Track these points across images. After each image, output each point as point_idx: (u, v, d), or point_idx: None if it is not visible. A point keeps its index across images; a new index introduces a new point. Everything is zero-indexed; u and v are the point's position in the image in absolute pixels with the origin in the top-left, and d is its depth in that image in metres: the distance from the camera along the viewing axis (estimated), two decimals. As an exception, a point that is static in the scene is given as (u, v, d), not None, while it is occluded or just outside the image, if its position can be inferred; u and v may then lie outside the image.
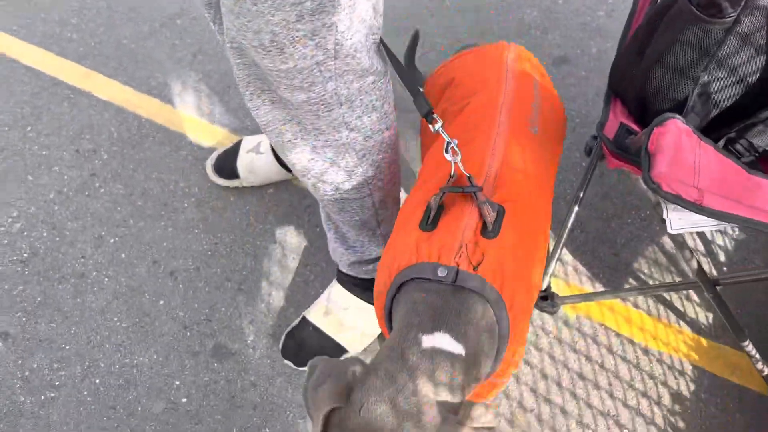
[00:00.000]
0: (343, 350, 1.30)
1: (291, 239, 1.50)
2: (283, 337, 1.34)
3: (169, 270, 1.45)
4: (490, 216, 0.81)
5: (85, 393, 1.30)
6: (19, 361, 1.33)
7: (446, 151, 0.86)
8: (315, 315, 1.33)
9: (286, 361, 1.31)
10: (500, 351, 0.79)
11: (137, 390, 1.30)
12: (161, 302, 1.41)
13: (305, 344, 1.31)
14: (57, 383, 1.31)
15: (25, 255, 1.46)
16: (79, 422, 1.27)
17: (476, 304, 0.76)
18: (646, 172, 0.84)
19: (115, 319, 1.39)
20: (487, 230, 0.81)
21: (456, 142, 0.86)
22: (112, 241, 1.49)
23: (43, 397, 1.30)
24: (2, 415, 1.27)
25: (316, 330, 1.31)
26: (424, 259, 0.79)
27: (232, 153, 1.55)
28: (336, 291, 1.33)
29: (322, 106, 0.90)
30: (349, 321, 1.31)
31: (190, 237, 1.50)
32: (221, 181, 1.56)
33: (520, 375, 1.32)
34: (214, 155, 1.58)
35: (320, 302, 1.34)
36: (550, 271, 1.38)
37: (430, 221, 0.84)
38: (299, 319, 1.35)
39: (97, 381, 1.32)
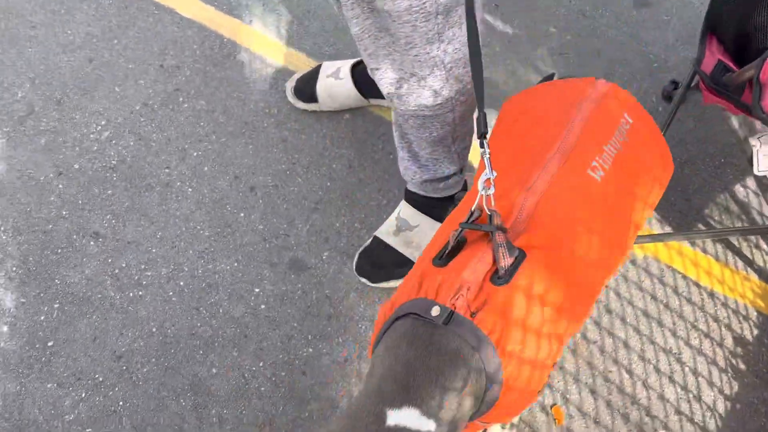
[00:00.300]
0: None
1: (365, 165, 1.53)
2: (356, 256, 1.39)
3: (249, 185, 1.51)
4: (504, 260, 0.74)
5: (171, 293, 1.38)
6: (109, 260, 1.42)
7: (480, 181, 0.79)
8: (386, 233, 1.38)
9: (361, 279, 1.37)
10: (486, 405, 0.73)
11: (219, 294, 1.38)
12: (242, 215, 1.47)
13: (378, 262, 1.37)
14: (144, 282, 1.40)
15: (114, 162, 1.54)
16: (164, 319, 1.35)
17: (460, 368, 0.69)
18: (756, 101, 0.84)
19: (198, 227, 1.46)
20: (497, 275, 0.74)
21: (495, 174, 0.79)
22: (195, 154, 1.55)
23: (131, 294, 1.38)
24: (94, 308, 1.37)
25: (388, 248, 1.36)
26: (423, 294, 0.75)
27: (311, 77, 1.58)
28: (405, 210, 1.37)
29: (421, 15, 0.92)
30: (418, 238, 1.36)
31: (269, 156, 1.55)
32: (300, 104, 1.59)
33: (585, 308, 1.36)
34: (294, 78, 1.61)
35: (390, 221, 1.39)
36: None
37: (445, 256, 0.80)
38: (371, 238, 1.40)
39: (182, 283, 1.40)
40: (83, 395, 1.28)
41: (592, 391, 1.27)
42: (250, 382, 1.29)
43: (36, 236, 1.44)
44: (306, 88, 1.58)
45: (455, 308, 0.71)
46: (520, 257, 0.76)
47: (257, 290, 1.39)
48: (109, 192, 1.50)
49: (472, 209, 0.80)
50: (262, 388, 1.28)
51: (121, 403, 1.28)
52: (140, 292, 1.38)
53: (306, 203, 1.49)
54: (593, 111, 0.91)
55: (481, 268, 0.74)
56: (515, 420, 1.24)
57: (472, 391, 0.70)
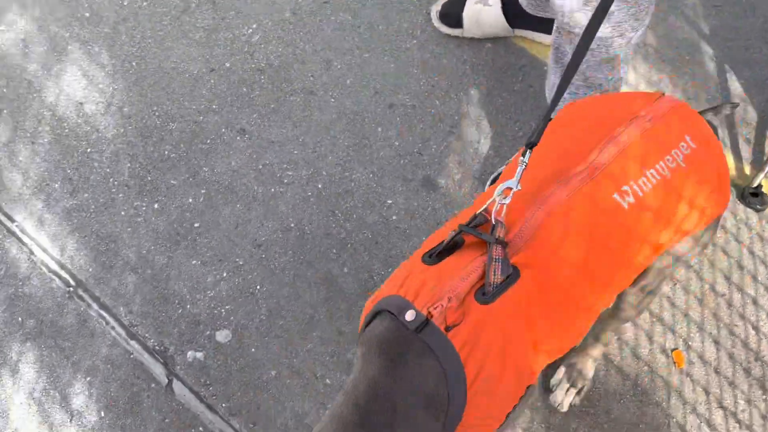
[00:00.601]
0: None
1: (503, 95, 1.54)
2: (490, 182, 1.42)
3: (388, 102, 1.54)
4: (494, 277, 0.70)
5: (309, 194, 1.45)
6: (254, 156, 1.49)
7: (494, 185, 0.75)
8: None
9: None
10: (451, 425, 0.71)
11: (354, 200, 1.44)
12: (379, 129, 1.52)
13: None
14: (285, 181, 1.47)
15: (262, 65, 1.60)
16: (302, 217, 1.43)
17: (417, 401, 0.67)
18: None
19: (338, 136, 1.51)
20: (483, 292, 0.71)
21: (519, 188, 0.74)
22: (339, 66, 1.59)
23: (273, 190, 1.46)
24: (238, 198, 1.45)
25: None
26: (402, 293, 0.72)
27: (459, 2, 1.58)
28: None
29: None
30: None
31: (410, 76, 1.57)
32: (444, 29, 1.60)
33: (715, 261, 1.35)
34: (440, 2, 1.61)
35: None
36: (765, 171, 1.37)
37: (436, 255, 0.76)
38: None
39: (320, 186, 1.46)
40: (224, 275, 1.38)
41: (716, 342, 1.28)
42: (379, 285, 1.35)
43: (188, 125, 1.53)
44: (452, 13, 1.59)
45: (431, 317, 0.68)
46: (513, 277, 0.72)
47: (390, 201, 1.44)
48: (257, 93, 1.56)
49: (478, 212, 0.76)
50: (390, 292, 1.35)
51: (258, 287, 1.37)
52: (281, 189, 1.46)
53: (441, 125, 1.51)
54: (646, 130, 0.83)
55: (468, 278, 0.71)
56: (632, 357, 1.27)
57: (432, 414, 0.68)
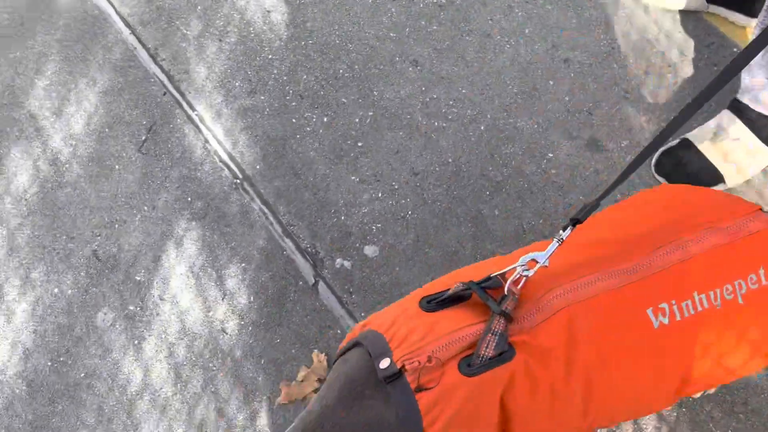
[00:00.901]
0: (720, 180, 1.33)
1: (687, 69, 1.49)
2: (657, 154, 1.39)
3: (564, 57, 1.53)
4: (484, 350, 0.64)
5: (471, 134, 1.47)
6: (423, 88, 1.53)
7: (526, 257, 0.69)
8: (700, 139, 1.35)
9: (658, 177, 1.37)
10: None
11: (514, 147, 1.45)
12: (551, 83, 1.51)
13: (682, 164, 1.35)
14: (450, 117, 1.49)
15: (444, 1, 1.61)
16: (461, 155, 1.45)
17: None
18: None
19: (508, 82, 1.51)
20: (469, 362, 0.65)
21: (547, 265, 0.68)
22: (520, 14, 1.58)
23: (436, 124, 1.49)
24: (402, 126, 1.49)
25: (698, 154, 1.34)
26: (389, 335, 0.68)
27: (656, -32, 1.53)
28: (728, 119, 1.32)
29: None
30: (735, 153, 1.32)
31: (590, 34, 1.54)
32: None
33: None
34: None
35: (708, 127, 1.35)
36: None
37: (436, 302, 0.71)
38: (679, 139, 1.38)
39: (482, 128, 1.48)
40: (379, 195, 1.43)
41: None
42: (528, 234, 1.37)
43: (363, 48, 1.58)
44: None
45: (405, 371, 0.65)
46: (506, 356, 0.66)
47: (550, 155, 1.44)
48: (434, 27, 1.59)
49: (494, 274, 0.71)
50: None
51: (409, 212, 1.41)
52: (444, 124, 1.48)
53: (616, 89, 1.48)
54: (718, 247, 0.72)
55: (459, 343, 0.66)
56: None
57: None
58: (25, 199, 1.49)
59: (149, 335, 1.36)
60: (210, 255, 1.41)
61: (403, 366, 0.65)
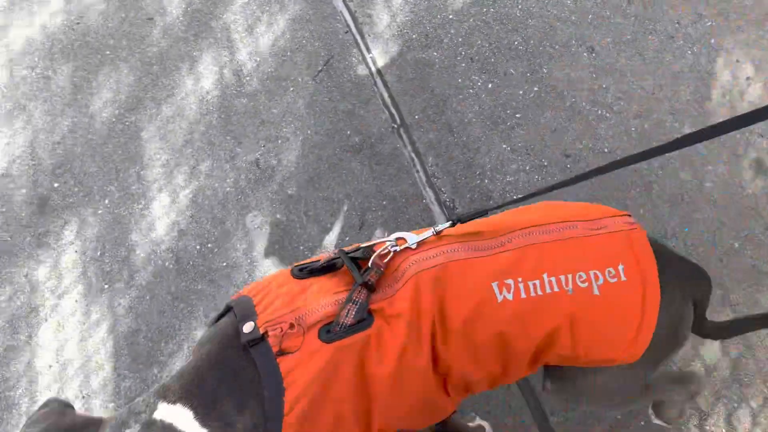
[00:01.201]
0: None
1: None
2: None
3: (747, 75, 1.48)
4: (344, 318, 0.69)
5: (633, 129, 1.47)
6: (594, 75, 1.54)
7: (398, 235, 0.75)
8: None
9: None
10: None
11: (673, 152, 1.43)
12: (726, 97, 1.47)
13: None
14: (615, 108, 1.50)
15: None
16: (617, 146, 1.45)
17: (232, 403, 0.66)
18: None
19: (681, 87, 1.49)
20: (328, 329, 0.69)
21: (415, 246, 0.73)
22: (708, 24, 1.55)
23: (599, 112, 1.50)
24: (565, 107, 1.51)
25: None
26: (258, 297, 0.72)
27: None
28: None
29: None
30: None
31: None
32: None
33: None
34: None
35: None
36: None
37: (307, 270, 0.75)
38: None
39: (646, 126, 1.47)
40: (526, 168, 1.47)
41: None
42: (669, 239, 1.36)
43: (543, 26, 1.60)
44: None
45: (267, 336, 0.68)
46: (364, 324, 0.70)
47: (710, 167, 1.41)
48: (618, 20, 1.59)
49: (365, 245, 0.76)
50: (689, 252, 1.35)
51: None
52: (607, 115, 1.49)
53: None
54: (574, 238, 0.77)
55: (322, 310, 0.70)
56: None
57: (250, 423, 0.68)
58: (207, 100, 1.65)
59: (288, 244, 1.47)
60: (357, 188, 1.51)
61: (266, 332, 0.69)
